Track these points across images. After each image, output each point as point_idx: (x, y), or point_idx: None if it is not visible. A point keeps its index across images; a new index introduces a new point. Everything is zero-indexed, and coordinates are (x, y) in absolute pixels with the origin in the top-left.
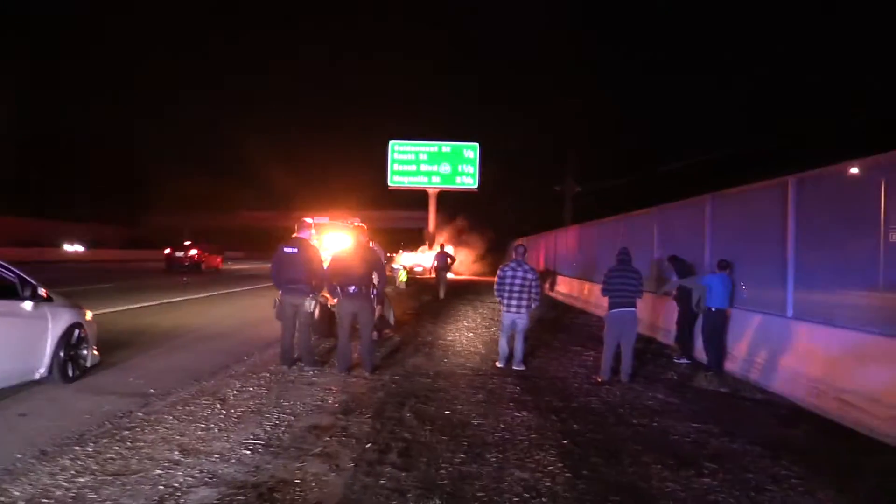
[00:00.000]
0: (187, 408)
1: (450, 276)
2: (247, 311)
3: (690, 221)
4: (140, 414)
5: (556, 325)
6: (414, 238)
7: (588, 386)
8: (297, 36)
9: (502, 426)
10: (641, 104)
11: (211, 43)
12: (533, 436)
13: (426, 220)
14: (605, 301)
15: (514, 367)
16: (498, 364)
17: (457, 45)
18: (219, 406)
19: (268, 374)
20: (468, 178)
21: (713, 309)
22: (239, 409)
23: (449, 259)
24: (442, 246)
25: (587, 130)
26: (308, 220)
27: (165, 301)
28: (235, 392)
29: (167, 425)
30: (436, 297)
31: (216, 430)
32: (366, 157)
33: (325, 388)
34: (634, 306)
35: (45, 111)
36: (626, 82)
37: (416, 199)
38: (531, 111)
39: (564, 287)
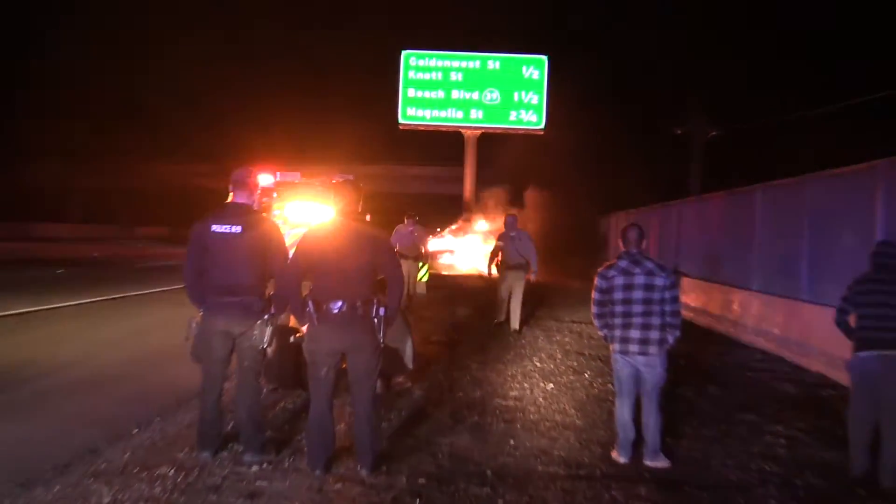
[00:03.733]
0: None
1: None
2: (156, 332)
3: None
4: None
5: (695, 367)
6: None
7: None
8: None
9: None
10: None
11: None
12: None
13: (460, 179)
14: (776, 327)
15: (648, 463)
16: (617, 456)
17: None
18: None
19: (170, 472)
20: (530, 114)
21: None
22: None
23: (527, 250)
24: (508, 223)
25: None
26: (262, 174)
27: (21, 311)
28: None
29: None
30: (483, 316)
31: None
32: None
33: None
34: None
35: None
36: None
37: (443, 144)
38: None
39: (694, 296)
